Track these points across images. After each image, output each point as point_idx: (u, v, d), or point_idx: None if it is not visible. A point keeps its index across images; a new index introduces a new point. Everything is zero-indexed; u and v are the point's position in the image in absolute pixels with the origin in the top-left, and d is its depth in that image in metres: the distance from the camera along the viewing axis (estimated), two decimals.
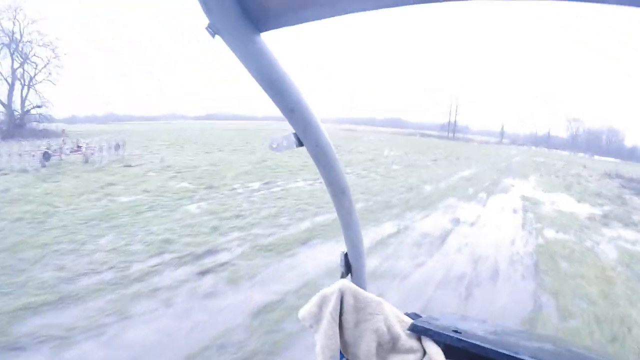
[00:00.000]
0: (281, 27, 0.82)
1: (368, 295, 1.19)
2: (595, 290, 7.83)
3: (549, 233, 11.95)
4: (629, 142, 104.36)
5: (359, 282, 1.42)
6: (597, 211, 16.59)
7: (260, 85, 0.90)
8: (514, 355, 1.10)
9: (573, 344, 2.33)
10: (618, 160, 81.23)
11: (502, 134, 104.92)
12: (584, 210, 16.53)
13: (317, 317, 1.15)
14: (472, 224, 12.23)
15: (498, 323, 1.99)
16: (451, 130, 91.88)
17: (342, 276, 1.42)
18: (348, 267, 1.43)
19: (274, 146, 1.02)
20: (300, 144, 1.03)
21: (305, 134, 1.02)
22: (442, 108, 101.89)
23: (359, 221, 1.37)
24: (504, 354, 1.10)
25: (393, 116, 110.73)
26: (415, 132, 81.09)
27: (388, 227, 11.01)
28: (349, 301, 1.15)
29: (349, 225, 1.32)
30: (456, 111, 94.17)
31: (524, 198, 17.28)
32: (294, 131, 1.02)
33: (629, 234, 13.47)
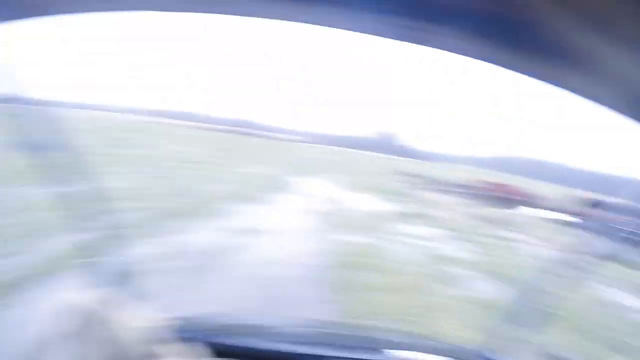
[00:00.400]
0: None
1: (100, 303, 1.10)
2: None
3: (346, 236, 9.91)
4: (410, 143, 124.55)
5: (131, 290, 1.42)
6: (392, 208, 15.36)
7: None
8: (255, 345, 1.28)
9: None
10: (403, 158, 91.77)
11: (305, 132, 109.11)
12: (380, 207, 15.06)
13: (55, 332, 1.03)
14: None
15: (247, 316, 2.55)
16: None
17: (117, 284, 1.41)
18: (123, 274, 1.42)
19: None
20: None
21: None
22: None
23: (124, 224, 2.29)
24: (230, 344, 1.23)
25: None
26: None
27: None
28: (82, 312, 1.05)
29: (117, 232, 1.42)
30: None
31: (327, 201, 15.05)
32: None
33: (424, 230, 12.25)
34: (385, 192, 20.56)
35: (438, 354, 1.61)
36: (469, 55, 0.83)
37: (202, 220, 9.13)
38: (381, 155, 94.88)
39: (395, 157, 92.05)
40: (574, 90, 0.87)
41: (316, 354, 1.36)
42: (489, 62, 0.83)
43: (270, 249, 8.10)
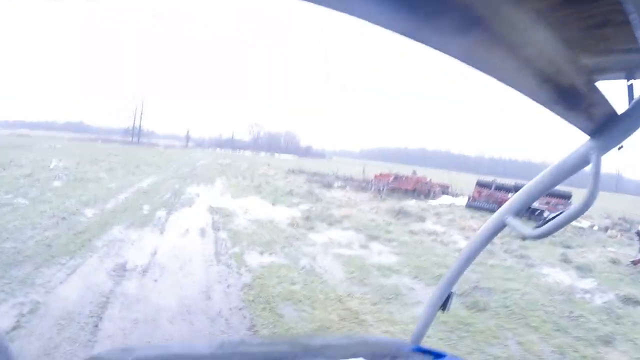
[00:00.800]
0: None
1: None
2: None
3: (253, 259, 8.21)
4: (303, 142, 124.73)
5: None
6: (296, 213, 14.18)
7: None
8: None
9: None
10: (295, 157, 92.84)
11: (187, 138, 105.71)
12: (282, 214, 13.83)
13: None
14: (143, 271, 6.88)
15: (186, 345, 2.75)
16: (135, 135, 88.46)
17: None
18: None
19: None
20: None
21: None
22: (128, 112, 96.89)
23: None
24: None
25: (75, 120, 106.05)
26: (97, 138, 75.70)
27: None
28: None
29: None
30: (141, 115, 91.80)
31: (212, 210, 13.38)
32: None
33: (339, 235, 11.30)
34: (287, 193, 19.82)
35: (374, 356, 1.56)
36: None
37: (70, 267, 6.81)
38: (268, 154, 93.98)
39: (284, 156, 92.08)
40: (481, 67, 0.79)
41: None
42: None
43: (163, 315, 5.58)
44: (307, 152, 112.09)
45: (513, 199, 1.35)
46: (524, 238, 2.25)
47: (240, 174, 30.21)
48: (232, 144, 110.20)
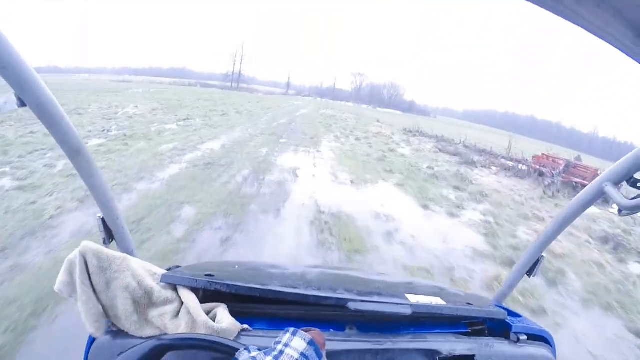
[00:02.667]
0: None
1: (111, 252, 1.11)
2: None
3: None
4: (407, 97, 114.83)
5: (124, 244, 1.41)
6: (474, 235, 7.16)
7: None
8: (262, 287, 1.18)
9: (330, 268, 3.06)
10: (399, 112, 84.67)
11: (288, 85, 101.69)
12: (456, 242, 6.70)
13: (71, 286, 1.08)
14: None
15: (257, 262, 2.76)
16: (235, 80, 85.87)
17: (105, 242, 1.34)
18: (109, 232, 1.35)
19: None
20: (22, 104, 0.91)
21: (24, 92, 0.90)
22: (228, 58, 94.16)
23: (105, 181, 1.26)
24: (251, 287, 1.16)
25: (179, 66, 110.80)
26: (197, 83, 74.74)
27: None
28: (92, 262, 1.07)
29: (94, 187, 1.22)
30: (241, 61, 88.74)
31: (323, 227, 6.31)
32: (13, 90, 0.89)
33: None
34: (433, 177, 12.42)
35: (452, 300, 1.51)
36: None
37: None
38: (370, 107, 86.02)
39: (387, 110, 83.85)
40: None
41: (336, 297, 1.22)
42: None
43: None
44: (410, 108, 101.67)
45: (616, 166, 1.21)
46: (620, 210, 1.13)
47: (351, 131, 23.18)
48: (333, 94, 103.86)
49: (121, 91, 33.16)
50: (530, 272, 1.70)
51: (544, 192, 13.24)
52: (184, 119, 17.95)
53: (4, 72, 0.84)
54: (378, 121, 35.98)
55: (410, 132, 29.86)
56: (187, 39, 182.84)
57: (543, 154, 18.69)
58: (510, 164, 19.72)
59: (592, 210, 11.75)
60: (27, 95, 0.91)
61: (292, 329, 0.88)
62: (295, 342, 0.84)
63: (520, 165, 18.94)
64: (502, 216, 8.82)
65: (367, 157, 14.36)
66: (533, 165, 17.54)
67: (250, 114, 26.04)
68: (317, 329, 0.96)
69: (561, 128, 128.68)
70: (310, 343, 0.84)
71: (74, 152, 1.10)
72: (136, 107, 20.94)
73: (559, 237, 1.95)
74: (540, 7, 0.69)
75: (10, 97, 0.90)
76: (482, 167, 18.11)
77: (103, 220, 1.33)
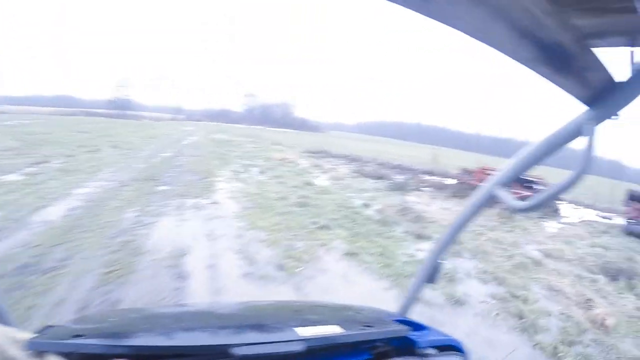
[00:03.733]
0: None
1: None
2: None
3: None
4: (298, 114, 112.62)
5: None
6: None
7: None
8: (136, 344, 1.07)
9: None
10: (292, 131, 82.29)
11: (177, 109, 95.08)
12: None
13: None
14: None
15: (139, 309, 2.57)
16: (121, 107, 78.64)
17: None
18: None
19: None
20: None
21: None
22: (114, 85, 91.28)
23: None
24: (124, 345, 1.04)
25: (64, 93, 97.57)
26: (79, 112, 68.17)
27: None
28: None
29: None
30: (126, 88, 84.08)
31: None
32: None
33: None
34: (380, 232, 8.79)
35: (349, 323, 1.42)
36: None
37: None
38: (264, 127, 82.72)
39: (281, 129, 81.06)
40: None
41: (218, 344, 1.12)
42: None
43: None
44: (303, 125, 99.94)
45: (503, 170, 1.26)
46: (512, 210, 1.17)
47: (251, 160, 19.05)
48: (225, 117, 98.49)
49: None
50: (430, 279, 1.67)
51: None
52: (38, 163, 12.39)
53: None
54: (276, 144, 32.20)
55: (315, 153, 26.68)
56: (72, 64, 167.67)
57: (483, 168, 16.00)
58: (439, 180, 17.34)
59: None
60: None
61: None
62: None
63: (449, 181, 16.52)
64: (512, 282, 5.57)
65: (284, 201, 10.28)
66: (470, 181, 14.93)
67: (129, 146, 20.67)
68: None
69: (447, 131, 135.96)
70: None
71: None
72: None
73: None
74: (409, 9, 0.65)
75: None
76: (414, 189, 15.20)
77: None
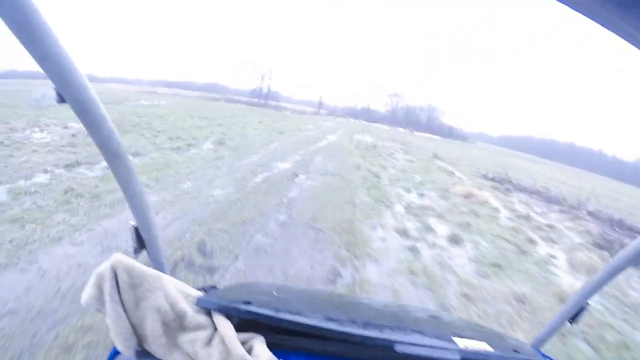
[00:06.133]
0: None
1: (144, 269, 0.98)
2: None
3: None
4: (447, 120, 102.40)
5: (155, 256, 1.31)
6: None
7: (8, 25, 0.69)
8: (304, 321, 1.05)
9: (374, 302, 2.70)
10: (438, 137, 73.01)
11: (320, 104, 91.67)
12: None
13: (99, 300, 0.95)
14: None
15: (299, 288, 2.60)
16: (263, 97, 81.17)
17: (135, 252, 1.24)
18: (141, 242, 1.24)
19: (34, 103, 0.87)
20: (61, 99, 0.82)
21: (65, 88, 0.80)
22: (258, 73, 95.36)
23: (142, 188, 1.14)
24: (292, 320, 1.04)
25: (211, 81, 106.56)
26: (221, 97, 70.93)
27: None
28: (123, 278, 0.94)
29: (130, 193, 1.11)
30: (270, 77, 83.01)
31: None
32: (54, 85, 0.80)
33: None
34: None
35: (498, 345, 1.29)
36: None
37: None
38: (407, 131, 74.61)
39: (426, 135, 72.00)
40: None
41: (384, 337, 1.08)
42: None
43: None
44: (449, 133, 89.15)
45: None
46: None
47: (415, 192, 11.35)
48: (367, 115, 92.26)
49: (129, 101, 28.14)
50: (572, 319, 1.58)
51: None
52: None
53: (44, 65, 0.75)
54: (436, 157, 24.01)
55: (495, 180, 18.04)
56: (221, 55, 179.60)
57: None
58: None
59: None
60: (66, 92, 0.81)
61: None
62: None
63: None
64: None
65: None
66: None
67: (235, 144, 14.73)
68: None
69: (603, 156, 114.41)
70: None
71: (113, 155, 1.00)
72: None
73: None
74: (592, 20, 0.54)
75: (50, 91, 0.81)
76: None
77: (136, 229, 1.22)
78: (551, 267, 6.88)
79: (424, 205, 9.64)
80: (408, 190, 11.21)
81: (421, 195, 10.95)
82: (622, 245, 9.49)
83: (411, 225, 7.68)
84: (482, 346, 1.20)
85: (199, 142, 13.76)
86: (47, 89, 0.80)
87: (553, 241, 8.85)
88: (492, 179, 18.26)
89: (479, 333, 1.55)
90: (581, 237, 9.81)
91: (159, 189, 7.22)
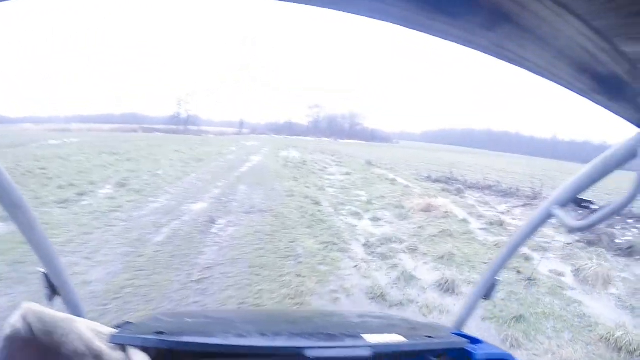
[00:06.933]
0: None
1: (54, 314, 0.94)
2: None
3: None
4: (368, 125, 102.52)
5: (70, 299, 1.30)
6: None
7: None
8: (216, 342, 1.06)
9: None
10: (364, 142, 72.36)
11: (241, 124, 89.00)
12: None
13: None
14: None
15: (211, 311, 2.47)
16: (182, 123, 76.36)
17: (49, 299, 1.24)
18: (52, 288, 1.23)
19: None
20: None
21: None
22: (175, 100, 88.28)
23: (45, 235, 1.14)
24: (204, 343, 1.05)
25: (130, 111, 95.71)
26: (138, 128, 65.87)
27: None
28: (37, 327, 0.90)
29: (35, 241, 1.11)
30: (187, 103, 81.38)
31: None
32: None
33: None
34: None
35: (411, 334, 1.36)
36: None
37: None
38: (331, 140, 73.81)
39: (351, 141, 71.39)
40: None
41: (293, 346, 1.11)
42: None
43: None
44: (373, 137, 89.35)
45: (560, 190, 1.24)
46: (569, 230, 1.15)
47: (371, 216, 9.01)
48: (290, 129, 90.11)
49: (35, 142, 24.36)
50: (487, 295, 1.65)
51: None
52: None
53: None
54: (370, 164, 22.14)
55: (441, 181, 16.45)
56: (138, 83, 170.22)
57: None
58: None
59: None
60: None
61: None
62: None
63: None
64: None
65: None
66: None
67: (147, 181, 11.68)
68: None
69: (520, 137, 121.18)
70: None
71: (13, 206, 0.99)
72: None
73: None
74: (487, 54, 0.69)
75: None
76: None
77: (46, 275, 1.20)
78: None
79: (385, 234, 7.32)
80: (358, 216, 8.87)
81: (376, 219, 8.66)
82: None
83: (384, 278, 5.28)
84: (394, 338, 1.21)
85: (96, 187, 10.56)
86: None
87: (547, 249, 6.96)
88: (438, 181, 16.70)
89: (391, 325, 1.68)
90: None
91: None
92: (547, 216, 1.28)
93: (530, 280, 5.50)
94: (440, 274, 5.43)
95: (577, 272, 6.06)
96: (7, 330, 0.88)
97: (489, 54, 0.68)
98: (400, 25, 0.59)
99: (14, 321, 0.88)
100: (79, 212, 7.69)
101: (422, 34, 0.61)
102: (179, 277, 4.86)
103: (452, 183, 15.98)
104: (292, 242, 6.56)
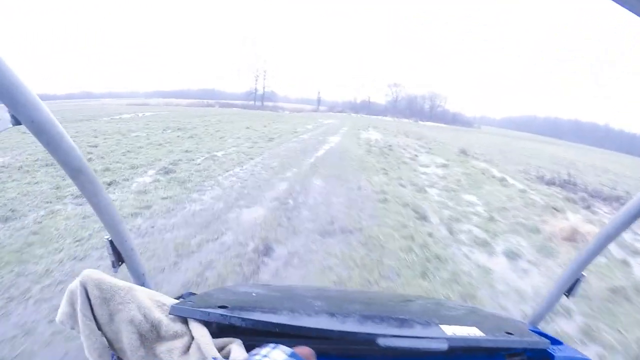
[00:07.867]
0: None
1: (115, 282, 0.93)
2: None
3: None
4: (450, 107, 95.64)
5: (134, 268, 1.25)
6: None
7: None
8: (281, 322, 0.99)
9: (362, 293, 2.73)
10: (444, 125, 67.10)
11: (318, 101, 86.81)
12: None
13: (73, 317, 0.91)
14: None
15: (278, 286, 2.15)
16: (258, 99, 76.95)
17: (114, 266, 1.20)
18: (118, 255, 1.19)
19: None
20: (16, 122, 0.78)
21: (18, 110, 0.77)
22: (252, 75, 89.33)
23: (111, 201, 1.08)
24: (269, 322, 0.98)
25: (208, 87, 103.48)
26: (215, 103, 67.76)
27: None
28: (94, 293, 0.90)
29: (100, 207, 1.05)
30: (264, 78, 78.95)
31: None
32: (7, 108, 0.77)
33: None
34: None
35: (488, 328, 1.18)
36: None
37: None
38: (411, 121, 69.28)
39: (431, 123, 66.29)
40: None
41: (364, 332, 1.02)
42: None
43: None
44: (454, 120, 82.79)
45: None
46: None
47: (466, 220, 6.33)
48: (368, 108, 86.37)
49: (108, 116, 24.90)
50: (569, 292, 1.45)
51: None
52: None
53: None
54: (463, 153, 18.59)
55: (557, 184, 12.53)
56: (217, 59, 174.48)
57: None
58: None
59: None
60: (21, 113, 0.78)
61: (273, 344, 0.80)
62: (274, 354, 0.76)
63: None
64: None
65: None
66: None
67: (205, 164, 9.90)
68: (307, 347, 0.87)
69: (609, 130, 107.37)
70: (292, 355, 0.76)
71: (76, 171, 0.94)
72: None
73: None
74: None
75: (4, 114, 0.78)
76: None
77: (111, 242, 1.16)
78: None
79: (540, 293, 4.31)
80: (487, 248, 5.77)
81: (513, 256, 5.51)
82: None
83: None
84: (472, 331, 1.10)
85: (135, 172, 8.62)
86: (1, 112, 0.75)
87: None
88: (552, 183, 12.81)
89: (470, 316, 1.51)
90: None
91: None
92: None
93: None
94: None
95: None
96: (65, 296, 0.89)
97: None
98: None
99: (73, 286, 0.89)
100: (90, 216, 5.51)
101: None
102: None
103: (570, 188, 12.15)
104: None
